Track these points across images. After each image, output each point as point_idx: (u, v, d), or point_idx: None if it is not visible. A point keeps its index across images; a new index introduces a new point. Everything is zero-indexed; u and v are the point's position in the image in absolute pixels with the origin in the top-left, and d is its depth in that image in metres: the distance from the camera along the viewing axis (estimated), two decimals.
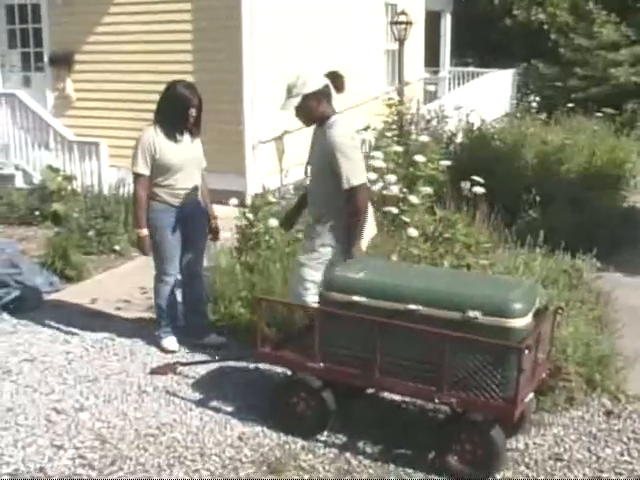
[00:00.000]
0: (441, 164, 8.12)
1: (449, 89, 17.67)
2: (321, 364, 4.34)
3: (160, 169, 5.39)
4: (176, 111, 5.37)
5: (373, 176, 6.53)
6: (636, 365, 5.14)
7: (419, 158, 7.63)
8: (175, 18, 10.39)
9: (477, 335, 3.89)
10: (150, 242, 5.46)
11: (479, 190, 6.99)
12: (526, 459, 4.21)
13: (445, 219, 6.75)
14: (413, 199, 6.62)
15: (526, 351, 3.80)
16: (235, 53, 9.94)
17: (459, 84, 17.86)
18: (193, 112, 5.39)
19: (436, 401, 4.05)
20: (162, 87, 5.52)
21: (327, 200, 4.73)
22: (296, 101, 4.62)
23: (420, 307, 4.05)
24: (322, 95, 4.64)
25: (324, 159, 4.64)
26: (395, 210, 6.44)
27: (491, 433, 3.93)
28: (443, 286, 4.25)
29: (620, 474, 4.08)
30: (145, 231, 5.42)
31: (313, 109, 4.66)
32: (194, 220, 5.59)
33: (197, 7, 10.23)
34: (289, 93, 4.65)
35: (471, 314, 3.91)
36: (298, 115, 4.74)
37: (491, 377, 3.91)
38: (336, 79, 4.80)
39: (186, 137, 5.49)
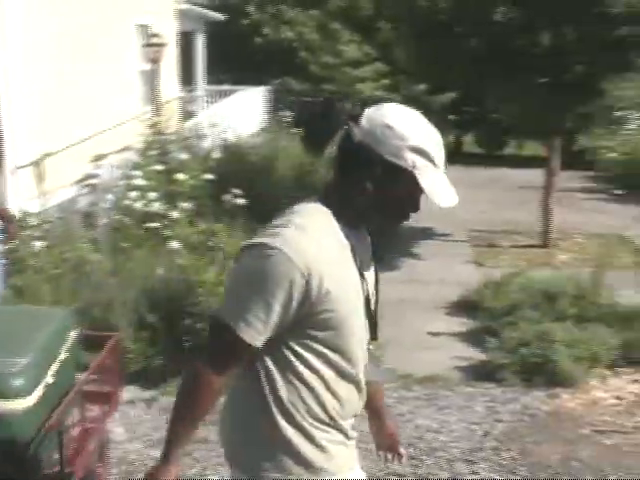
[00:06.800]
0: (203, 177, 8.47)
1: (204, 107, 18.05)
2: None
3: None
4: None
5: (134, 194, 6.80)
6: None
7: (180, 176, 7.96)
8: None
9: None
10: None
11: (240, 201, 7.46)
12: None
13: (208, 230, 7.11)
14: (174, 214, 6.95)
15: None
16: None
17: (215, 102, 18.30)
18: None
19: None
20: None
21: None
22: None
23: None
24: None
25: None
26: (157, 225, 6.73)
27: None
28: None
29: None
30: None
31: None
32: None
33: None
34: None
35: None
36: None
37: None
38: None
39: None
